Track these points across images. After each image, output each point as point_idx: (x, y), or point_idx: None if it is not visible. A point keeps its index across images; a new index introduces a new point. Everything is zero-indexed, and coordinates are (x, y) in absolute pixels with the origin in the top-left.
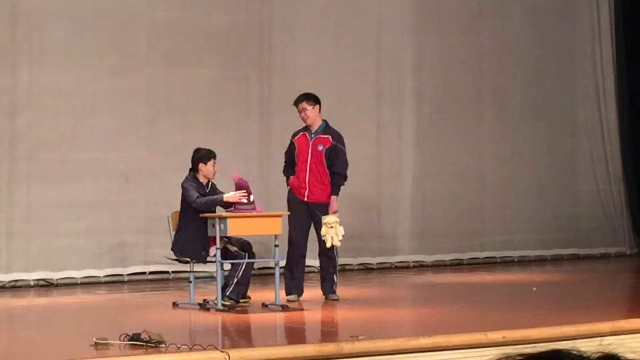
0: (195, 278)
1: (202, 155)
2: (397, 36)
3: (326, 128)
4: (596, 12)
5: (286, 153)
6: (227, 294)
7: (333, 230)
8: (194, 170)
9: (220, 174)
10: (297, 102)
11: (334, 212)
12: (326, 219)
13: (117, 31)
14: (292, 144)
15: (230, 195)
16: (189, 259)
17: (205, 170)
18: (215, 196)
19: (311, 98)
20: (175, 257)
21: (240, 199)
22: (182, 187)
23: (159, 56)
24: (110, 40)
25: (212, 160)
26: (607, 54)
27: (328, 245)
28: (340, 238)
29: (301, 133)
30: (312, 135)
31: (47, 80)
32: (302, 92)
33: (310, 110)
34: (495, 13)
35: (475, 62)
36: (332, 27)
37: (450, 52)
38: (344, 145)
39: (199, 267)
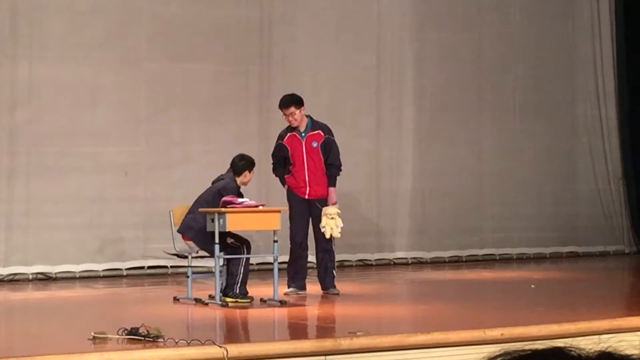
0: (194, 273)
1: (249, 163)
2: (397, 32)
3: (314, 124)
4: (596, 10)
5: (274, 155)
6: (237, 291)
7: (333, 222)
8: (237, 174)
9: (220, 169)
10: (284, 106)
11: (334, 204)
12: (327, 210)
13: (118, 25)
14: (282, 145)
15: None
16: (208, 252)
17: (248, 178)
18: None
19: (298, 101)
20: (175, 252)
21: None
22: (225, 187)
23: (159, 51)
24: (110, 35)
25: (253, 170)
26: (607, 51)
27: (327, 236)
28: (340, 230)
29: (290, 134)
30: (303, 134)
31: (47, 74)
32: (285, 94)
33: (298, 114)
34: (495, 10)
35: (475, 59)
36: (332, 22)
37: (450, 48)
38: (333, 135)
39: (196, 262)
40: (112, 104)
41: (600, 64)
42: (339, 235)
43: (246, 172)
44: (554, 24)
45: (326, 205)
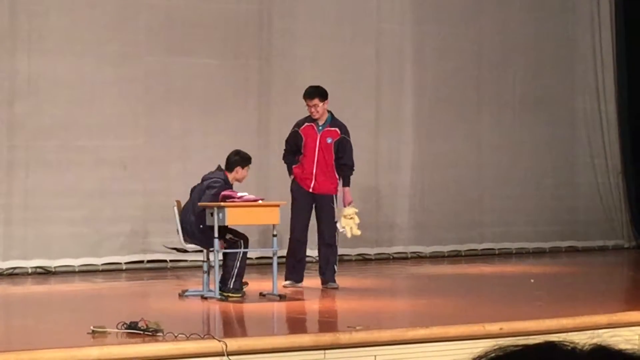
0: (194, 268)
1: (243, 159)
2: (396, 26)
3: (333, 120)
4: (596, 4)
5: (288, 141)
6: (231, 286)
7: (352, 221)
8: (229, 169)
9: (219, 163)
10: (309, 97)
11: (349, 203)
12: (345, 211)
13: (117, 19)
14: (297, 133)
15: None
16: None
17: (241, 174)
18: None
19: (323, 94)
20: (174, 246)
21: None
22: (211, 186)
23: (159, 44)
24: (109, 28)
25: (248, 166)
26: (607, 45)
27: (349, 235)
28: (358, 227)
29: (307, 124)
30: (320, 128)
31: (46, 68)
32: (312, 85)
33: (321, 106)
34: (495, 3)
35: (474, 52)
36: (332, 16)
37: (450, 42)
38: (349, 137)
39: (197, 257)
40: (111, 97)
41: (600, 57)
42: (359, 232)
43: (238, 168)
44: (554, 17)
45: (334, 202)
